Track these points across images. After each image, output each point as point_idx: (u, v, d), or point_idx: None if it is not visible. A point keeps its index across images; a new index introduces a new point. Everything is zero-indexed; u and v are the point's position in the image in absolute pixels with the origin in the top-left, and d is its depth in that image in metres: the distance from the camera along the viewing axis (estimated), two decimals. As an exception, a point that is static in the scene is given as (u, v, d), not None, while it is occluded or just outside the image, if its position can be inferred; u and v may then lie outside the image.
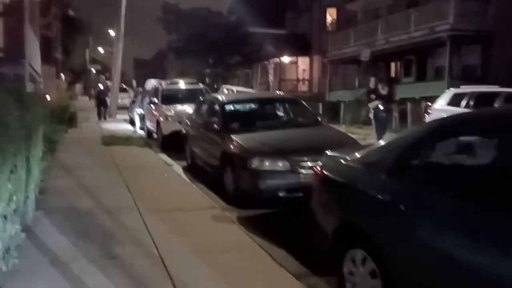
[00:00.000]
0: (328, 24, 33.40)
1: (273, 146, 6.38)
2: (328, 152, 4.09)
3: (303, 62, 35.46)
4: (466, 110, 10.92)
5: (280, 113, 8.31)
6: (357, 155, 3.62)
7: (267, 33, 35.35)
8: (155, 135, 13.44)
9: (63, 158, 9.43)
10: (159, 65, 66.28)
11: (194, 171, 8.71)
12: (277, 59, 35.02)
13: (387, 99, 11.42)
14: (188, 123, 9.48)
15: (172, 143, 11.44)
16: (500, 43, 19.44)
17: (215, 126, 7.50)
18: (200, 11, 37.80)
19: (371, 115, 11.32)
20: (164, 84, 14.06)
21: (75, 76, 47.00)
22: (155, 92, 14.31)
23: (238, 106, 8.19)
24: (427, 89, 21.77)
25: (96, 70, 47.04)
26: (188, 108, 12.00)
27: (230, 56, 38.08)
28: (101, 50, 60.01)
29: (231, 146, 6.76)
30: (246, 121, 7.53)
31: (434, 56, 23.48)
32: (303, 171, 6.01)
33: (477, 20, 19.99)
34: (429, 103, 18.68)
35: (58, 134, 12.29)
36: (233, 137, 6.85)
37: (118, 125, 17.93)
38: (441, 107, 11.73)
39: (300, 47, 34.22)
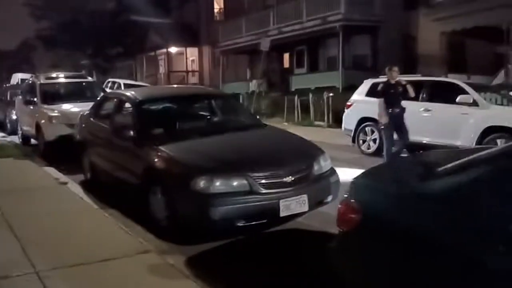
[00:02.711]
0: (216, 13, 32.06)
1: (221, 158, 4.80)
2: (360, 177, 2.69)
3: (192, 53, 33.69)
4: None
5: (212, 114, 6.66)
6: (442, 183, 2.25)
7: (151, 22, 32.96)
8: (34, 141, 10.92)
9: None
10: (25, 57, 59.23)
11: (99, 189, 6.75)
12: (164, 50, 32.81)
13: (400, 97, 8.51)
14: (85, 126, 7.43)
15: (59, 152, 9.22)
16: (386, 33, 19.88)
17: (130, 132, 5.65)
18: (73, -5, 33.90)
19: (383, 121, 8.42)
20: (42, 78, 11.46)
21: None
22: (30, 88, 11.65)
23: (158, 106, 6.38)
24: (320, 79, 21.74)
25: None
26: (76, 107, 9.83)
27: (111, 47, 34.84)
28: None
29: (160, 161, 5.04)
30: (171, 125, 5.80)
31: (326, 46, 23.56)
32: (264, 190, 4.56)
33: (365, 9, 20.33)
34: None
35: None
36: (161, 148, 5.13)
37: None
38: (361, 98, 11.01)
39: (188, 37, 32.46)
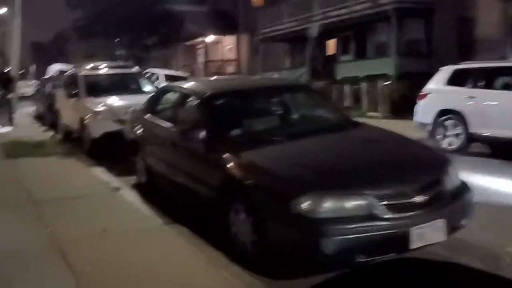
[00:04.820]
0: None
1: (328, 170, 3.70)
2: None
3: (229, 41, 32.65)
4: (475, 90, 9.00)
5: (295, 110, 5.49)
6: None
7: (186, 10, 32.20)
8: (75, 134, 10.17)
9: None
10: (60, 48, 59.52)
11: (158, 197, 5.78)
12: (201, 39, 31.95)
13: None
14: (139, 124, 6.48)
15: (105, 149, 8.41)
16: (441, 16, 18.50)
17: (200, 134, 4.62)
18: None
19: None
20: (84, 69, 10.61)
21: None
22: (71, 79, 10.85)
23: (231, 101, 5.32)
24: (369, 67, 20.38)
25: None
26: (123, 101, 8.99)
27: (147, 37, 34.28)
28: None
29: (243, 171, 3.98)
30: (250, 125, 4.74)
31: (374, 31, 22.20)
32: (389, 214, 3.45)
33: (419, -9, 18.95)
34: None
35: None
36: (243, 154, 4.09)
37: (23, 123, 14.07)
38: (440, 88, 9.66)
39: (225, 25, 31.47)
